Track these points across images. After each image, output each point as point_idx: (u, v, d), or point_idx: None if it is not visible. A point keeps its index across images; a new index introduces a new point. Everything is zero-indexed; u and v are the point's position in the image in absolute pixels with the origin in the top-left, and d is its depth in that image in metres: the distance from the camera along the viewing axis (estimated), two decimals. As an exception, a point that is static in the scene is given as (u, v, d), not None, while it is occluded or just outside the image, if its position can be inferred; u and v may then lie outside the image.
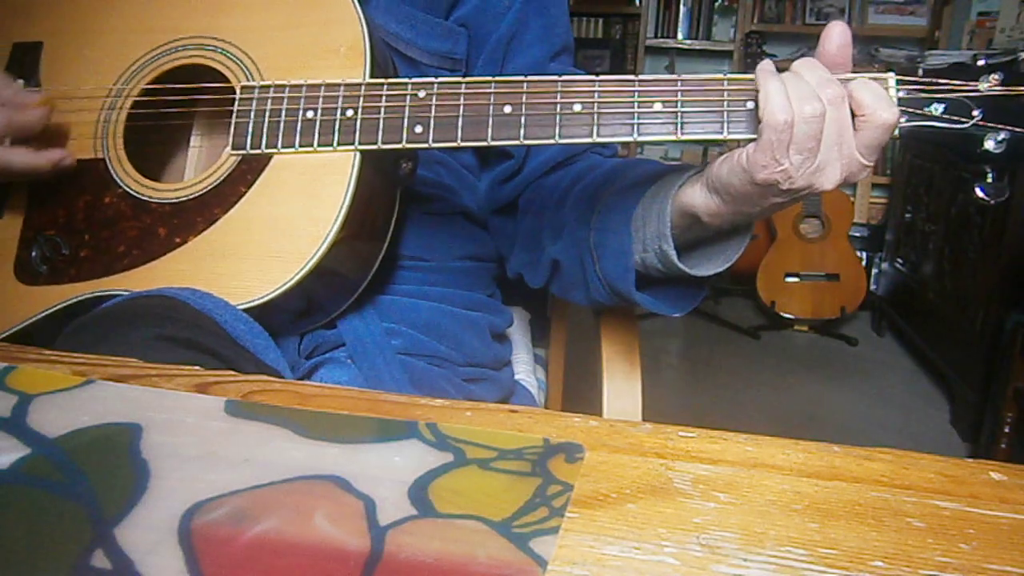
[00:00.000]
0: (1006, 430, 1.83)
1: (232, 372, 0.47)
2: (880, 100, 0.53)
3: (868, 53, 3.26)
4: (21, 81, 0.71)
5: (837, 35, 0.55)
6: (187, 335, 0.55)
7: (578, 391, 1.01)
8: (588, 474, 0.36)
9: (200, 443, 0.38)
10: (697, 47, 3.52)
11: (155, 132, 0.71)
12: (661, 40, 3.54)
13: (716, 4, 3.49)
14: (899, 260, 2.80)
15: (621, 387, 0.83)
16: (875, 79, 0.55)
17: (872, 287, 2.98)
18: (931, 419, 2.26)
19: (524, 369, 0.94)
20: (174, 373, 0.46)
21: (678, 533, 0.32)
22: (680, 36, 3.53)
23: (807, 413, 2.29)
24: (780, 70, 0.56)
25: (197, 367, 0.47)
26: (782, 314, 2.84)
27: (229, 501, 0.34)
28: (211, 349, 0.55)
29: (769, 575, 0.30)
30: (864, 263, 3.04)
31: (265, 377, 0.47)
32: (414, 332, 0.75)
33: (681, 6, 3.52)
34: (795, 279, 2.83)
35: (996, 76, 0.54)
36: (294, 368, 0.70)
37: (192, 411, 0.41)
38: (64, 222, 0.69)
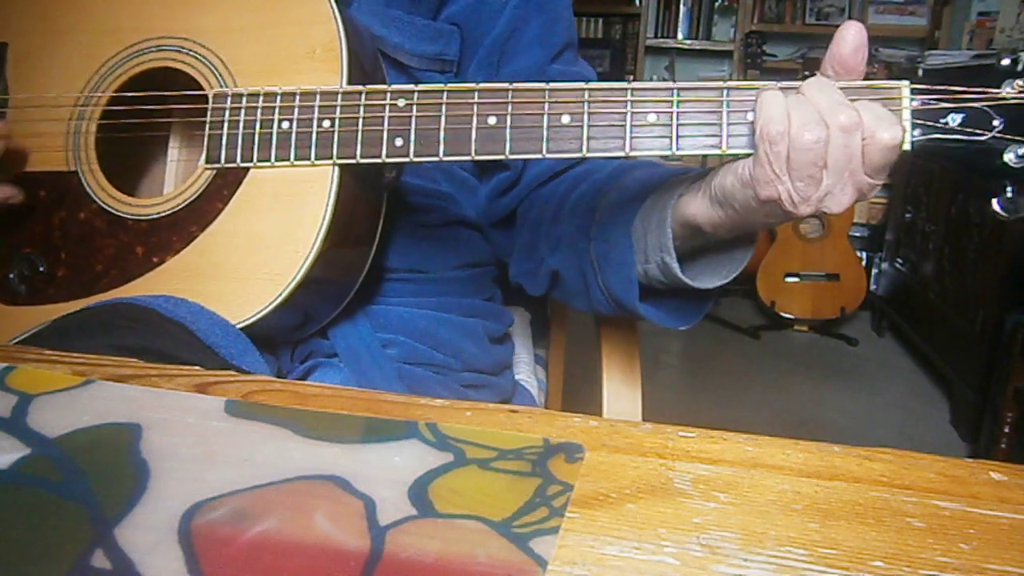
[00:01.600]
0: (1006, 430, 1.83)
1: (232, 372, 0.47)
2: (880, 120, 0.49)
3: (868, 53, 3.25)
4: None
5: (852, 37, 0.50)
6: (144, 344, 0.53)
7: (578, 391, 1.01)
8: (588, 474, 0.36)
9: (200, 443, 0.38)
10: (697, 47, 3.52)
11: (130, 142, 0.69)
12: (661, 40, 3.54)
13: (716, 4, 3.49)
14: (899, 260, 2.80)
15: (621, 387, 0.83)
16: (888, 87, 0.52)
17: (872, 287, 2.98)
18: (931, 419, 2.26)
19: (524, 369, 0.94)
20: (174, 373, 0.46)
21: (678, 533, 0.32)
22: (680, 36, 3.53)
23: (807, 413, 2.29)
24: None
25: (197, 367, 0.47)
26: (782, 314, 2.84)
27: (229, 501, 0.34)
28: (175, 357, 0.53)
29: (769, 575, 0.30)
30: (864, 263, 3.04)
31: (265, 377, 0.47)
32: (411, 341, 0.74)
33: (681, 6, 3.52)
34: (795, 279, 2.83)
35: (1021, 82, 0.50)
36: (286, 374, 0.70)
37: (192, 411, 0.41)
38: (41, 239, 0.66)
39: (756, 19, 3.39)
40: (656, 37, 3.55)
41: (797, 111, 0.49)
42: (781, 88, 0.52)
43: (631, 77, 3.54)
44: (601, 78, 0.81)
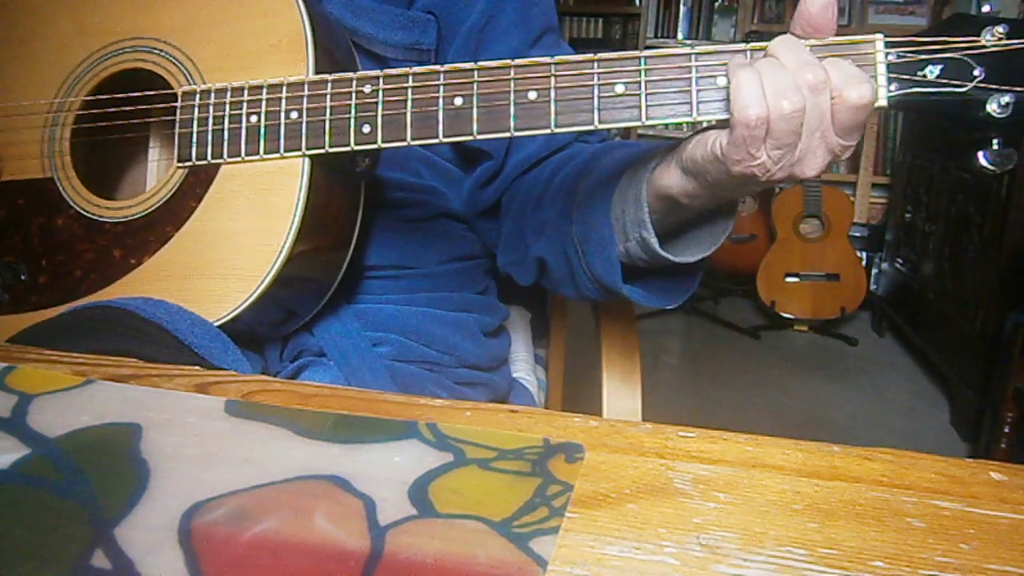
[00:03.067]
0: (1006, 430, 1.83)
1: (232, 372, 0.47)
2: (849, 78, 0.48)
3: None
4: None
5: None
6: (124, 347, 0.53)
7: (578, 391, 1.01)
8: (588, 474, 0.36)
9: (200, 443, 0.38)
10: (697, 47, 3.52)
11: (106, 146, 0.69)
12: (661, 40, 3.54)
13: (716, 4, 3.49)
14: (899, 260, 2.80)
15: (621, 387, 0.83)
16: (861, 42, 0.50)
17: (872, 287, 2.98)
18: (931, 419, 2.26)
19: (524, 368, 0.94)
20: (174, 373, 0.46)
21: (678, 533, 0.32)
22: (680, 36, 3.54)
23: (807, 413, 2.29)
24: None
25: (197, 367, 0.47)
26: (782, 314, 2.84)
27: (229, 501, 0.34)
28: (154, 359, 0.53)
29: (769, 575, 0.30)
30: (864, 263, 3.04)
31: (265, 377, 0.47)
32: (402, 339, 0.73)
33: (681, 6, 3.52)
34: (795, 279, 2.83)
35: (1001, 29, 0.48)
36: (275, 373, 0.69)
37: (192, 411, 0.41)
38: (21, 247, 0.66)
39: (756, 19, 3.39)
40: (656, 37, 3.56)
41: (771, 79, 0.48)
42: (749, 50, 0.51)
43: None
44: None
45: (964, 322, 2.17)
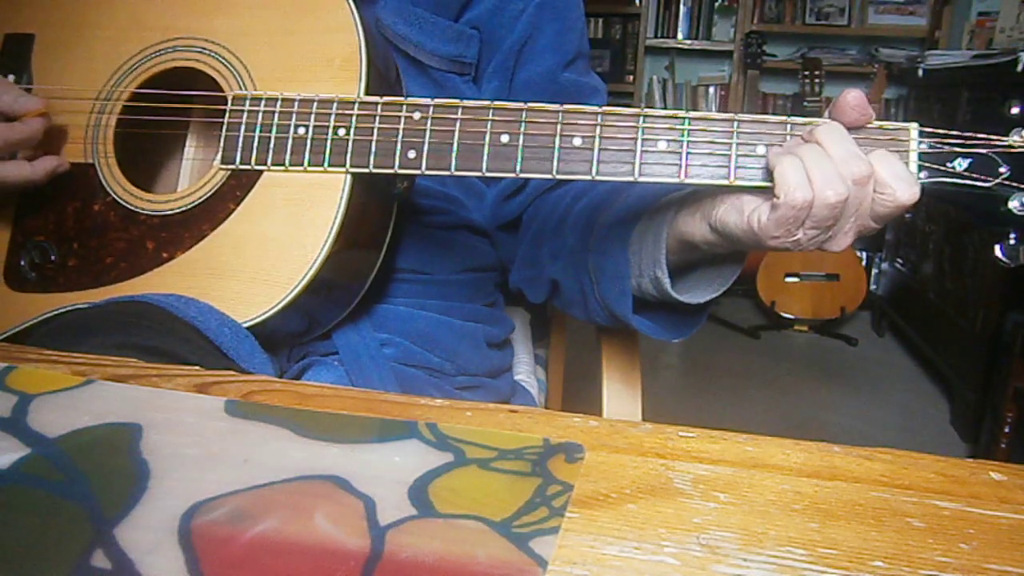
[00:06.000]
0: (1006, 430, 1.83)
1: (232, 372, 0.47)
2: (901, 180, 0.50)
3: (868, 53, 3.26)
4: (12, 76, 0.70)
5: (852, 98, 0.52)
6: (154, 343, 0.54)
7: (578, 391, 1.01)
8: (588, 474, 0.36)
9: (200, 443, 0.38)
10: (697, 47, 3.52)
11: (148, 138, 0.70)
12: (661, 40, 3.54)
13: (716, 4, 3.49)
14: (899, 260, 2.80)
15: (621, 387, 0.83)
16: (897, 128, 0.52)
17: (872, 287, 2.98)
18: (931, 419, 2.26)
19: (524, 369, 0.94)
20: (174, 373, 0.46)
21: (678, 533, 0.32)
22: (680, 36, 3.53)
23: (807, 413, 2.29)
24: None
25: (197, 367, 0.47)
26: (782, 314, 2.84)
27: (229, 501, 0.34)
28: (181, 357, 0.53)
29: (769, 575, 0.30)
30: (864, 263, 3.04)
31: (265, 377, 0.47)
32: (407, 342, 0.74)
33: (681, 6, 3.52)
34: (795, 279, 2.83)
35: None
36: (282, 373, 0.70)
37: (192, 411, 0.41)
38: (53, 228, 0.67)
39: (756, 19, 3.39)
40: (656, 37, 3.55)
41: (817, 170, 0.50)
42: (790, 123, 0.53)
43: (631, 77, 3.54)
44: (601, 78, 0.80)
45: (964, 322, 2.17)
